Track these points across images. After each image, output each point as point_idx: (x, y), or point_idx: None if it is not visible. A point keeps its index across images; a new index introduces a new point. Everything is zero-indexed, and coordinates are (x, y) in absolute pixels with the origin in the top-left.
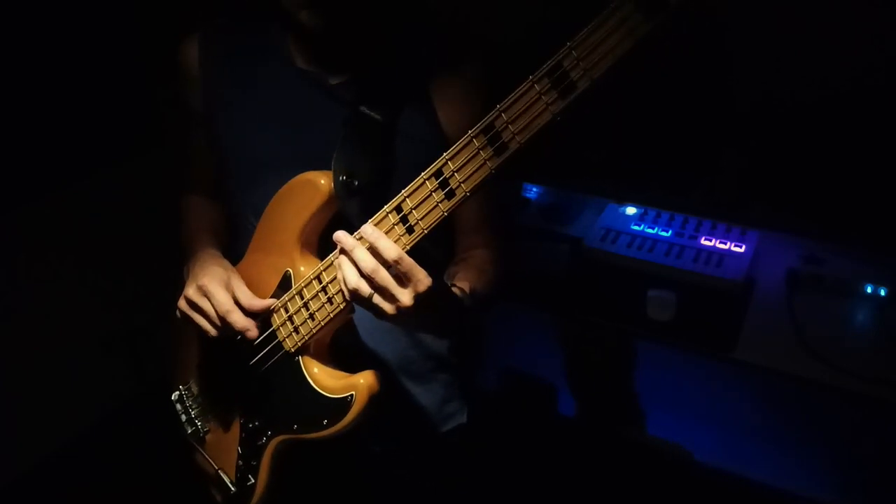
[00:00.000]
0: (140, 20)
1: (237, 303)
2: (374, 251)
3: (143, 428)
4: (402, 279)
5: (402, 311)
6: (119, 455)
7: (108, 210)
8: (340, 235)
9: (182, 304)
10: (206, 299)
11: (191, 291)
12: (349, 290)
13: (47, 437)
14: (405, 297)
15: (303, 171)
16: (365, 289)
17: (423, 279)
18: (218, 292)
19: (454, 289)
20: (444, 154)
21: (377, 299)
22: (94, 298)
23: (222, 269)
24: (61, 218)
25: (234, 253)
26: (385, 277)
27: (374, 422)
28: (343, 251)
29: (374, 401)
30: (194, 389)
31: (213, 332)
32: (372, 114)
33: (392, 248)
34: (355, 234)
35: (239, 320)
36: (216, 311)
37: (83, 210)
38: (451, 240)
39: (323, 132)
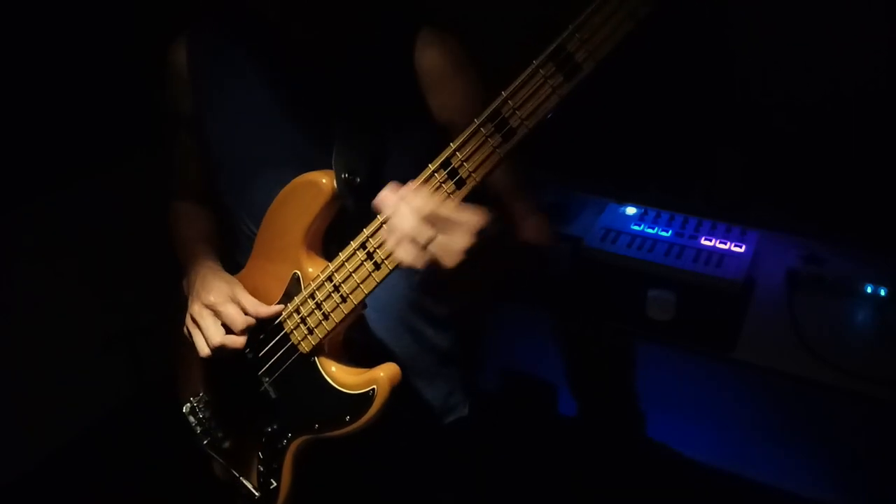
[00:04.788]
0: (136, 19)
1: (244, 313)
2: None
3: (143, 428)
4: (454, 217)
5: (481, 229)
6: (119, 455)
7: (108, 210)
8: (381, 202)
9: (189, 322)
10: (213, 317)
11: (196, 309)
12: (407, 244)
13: (47, 437)
14: (469, 214)
15: (296, 170)
16: (425, 233)
17: (470, 207)
18: (227, 308)
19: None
20: (452, 144)
21: (440, 238)
22: (94, 298)
23: (224, 284)
24: (61, 218)
25: (233, 259)
26: (435, 218)
27: (393, 414)
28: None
29: (396, 392)
30: (206, 400)
31: (223, 347)
32: (363, 108)
33: (426, 205)
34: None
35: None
36: (231, 326)
37: (83, 210)
38: None
39: (314, 129)
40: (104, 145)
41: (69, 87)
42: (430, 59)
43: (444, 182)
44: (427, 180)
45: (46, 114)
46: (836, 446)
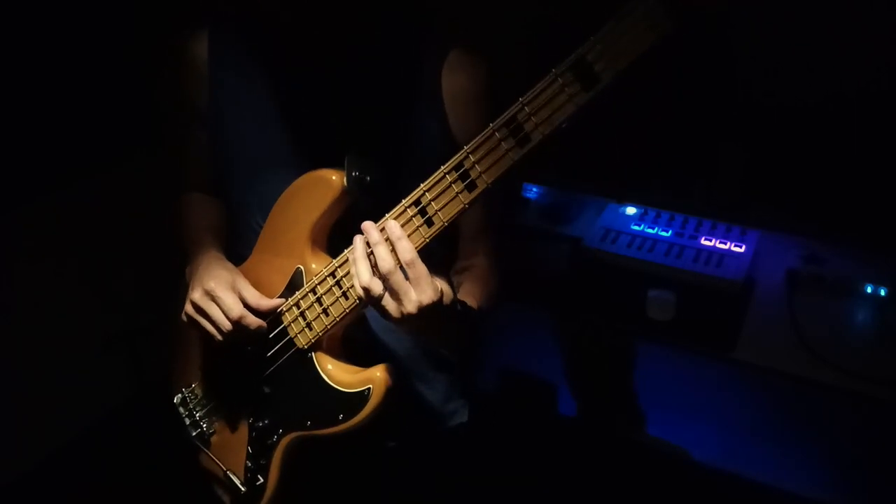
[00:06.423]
0: (136, 19)
1: (245, 304)
2: (392, 250)
3: (142, 428)
4: (412, 284)
5: (406, 316)
6: (119, 455)
7: (108, 209)
8: (368, 226)
9: (189, 308)
10: (213, 304)
11: (197, 296)
12: (361, 287)
13: (47, 437)
14: (411, 304)
15: (309, 167)
16: (377, 288)
17: (428, 292)
18: (226, 296)
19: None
20: (465, 147)
21: (386, 300)
22: (94, 298)
23: (227, 272)
24: (61, 218)
25: (236, 251)
26: (399, 281)
27: (387, 416)
28: (366, 243)
29: (391, 393)
30: (198, 391)
31: (221, 336)
32: (378, 110)
33: (409, 251)
34: (379, 224)
35: (252, 322)
36: (226, 314)
37: (83, 210)
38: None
39: (329, 128)
40: (104, 145)
41: (69, 87)
42: (458, 82)
43: (454, 183)
44: (438, 181)
45: (46, 114)
46: (836, 446)
